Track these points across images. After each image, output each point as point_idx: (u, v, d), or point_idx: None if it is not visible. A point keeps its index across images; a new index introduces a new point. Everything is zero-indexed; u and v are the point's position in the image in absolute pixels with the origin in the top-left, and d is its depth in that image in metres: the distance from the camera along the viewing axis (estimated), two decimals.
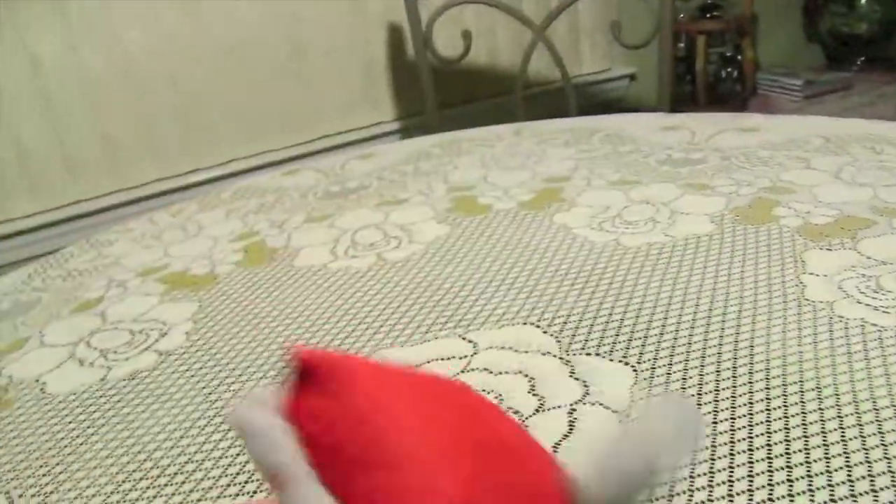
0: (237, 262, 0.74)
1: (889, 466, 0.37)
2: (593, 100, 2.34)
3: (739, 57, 2.38)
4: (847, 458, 0.38)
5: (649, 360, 0.48)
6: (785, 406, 0.42)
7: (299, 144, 2.02)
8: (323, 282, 0.66)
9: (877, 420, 0.40)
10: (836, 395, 0.43)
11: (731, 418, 0.42)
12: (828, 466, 0.38)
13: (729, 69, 2.38)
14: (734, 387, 0.45)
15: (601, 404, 0.44)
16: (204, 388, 0.52)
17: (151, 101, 1.82)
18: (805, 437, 0.40)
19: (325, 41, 1.99)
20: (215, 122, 1.91)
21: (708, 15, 2.37)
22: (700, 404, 0.43)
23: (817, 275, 0.56)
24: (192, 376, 0.54)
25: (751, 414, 0.42)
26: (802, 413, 0.42)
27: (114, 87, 1.77)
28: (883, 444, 0.39)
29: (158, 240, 0.85)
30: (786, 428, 0.41)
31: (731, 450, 0.39)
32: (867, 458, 0.38)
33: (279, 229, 0.82)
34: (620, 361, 0.48)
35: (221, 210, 0.92)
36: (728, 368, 0.46)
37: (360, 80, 2.07)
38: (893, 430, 0.40)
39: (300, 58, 1.96)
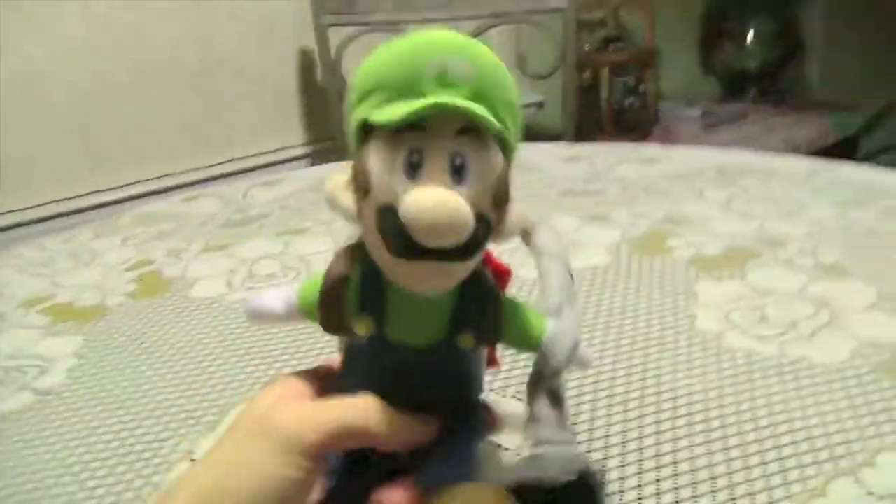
0: (130, 292, 0.71)
1: (770, 497, 0.38)
2: None
3: (643, 87, 2.46)
4: (731, 491, 0.39)
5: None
6: (674, 440, 0.43)
7: (206, 167, 1.98)
8: (218, 315, 0.64)
9: (760, 451, 0.41)
10: (723, 426, 0.44)
11: (622, 454, 0.42)
12: (714, 500, 0.38)
13: (633, 99, 2.45)
14: (625, 421, 0.45)
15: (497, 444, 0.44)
16: (83, 429, 0.49)
17: (51, 117, 1.75)
18: (692, 470, 0.40)
19: (235, 62, 1.95)
20: (119, 141, 1.85)
21: (612, 47, 2.44)
22: (591, 439, 0.44)
23: (707, 306, 0.58)
24: (71, 417, 0.51)
25: (641, 449, 0.43)
26: (690, 447, 0.42)
27: (12, 102, 1.69)
28: (765, 476, 0.40)
29: (47, 268, 0.81)
30: (674, 462, 0.41)
31: (621, 486, 0.40)
32: (751, 489, 0.39)
33: (176, 258, 0.79)
34: (514, 397, 0.48)
35: (117, 237, 0.89)
36: (620, 402, 0.47)
37: (271, 103, 2.04)
38: (775, 460, 0.41)
39: (210, 78, 1.93)
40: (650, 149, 0.98)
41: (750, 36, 2.64)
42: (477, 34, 1.50)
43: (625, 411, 0.46)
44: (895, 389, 0.47)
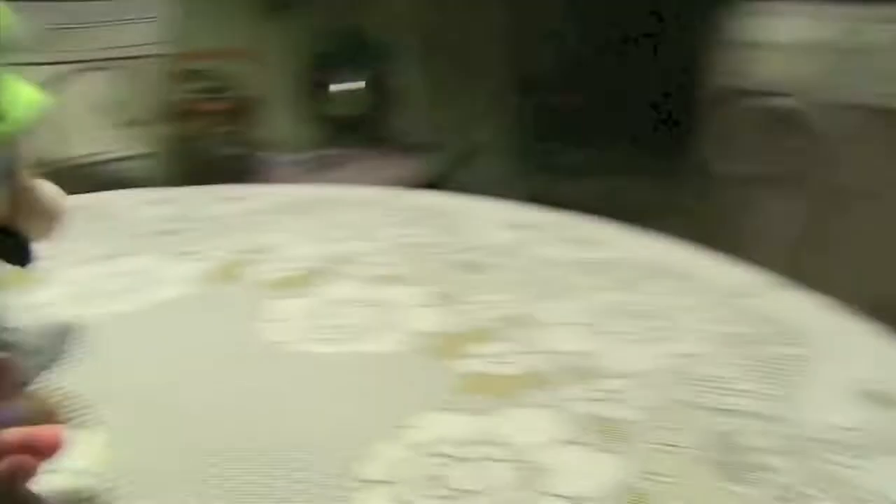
0: None
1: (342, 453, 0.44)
2: (103, 179, 2.27)
3: (243, 136, 2.52)
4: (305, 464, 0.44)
5: (123, 420, 0.49)
6: (238, 443, 0.47)
7: None
8: None
9: (325, 431, 0.47)
10: (284, 424, 0.49)
11: (204, 462, 0.45)
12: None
13: (235, 147, 2.50)
14: (202, 425, 0.48)
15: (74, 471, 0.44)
16: None
17: None
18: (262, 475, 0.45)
19: None
20: None
21: (214, 96, 2.48)
22: (166, 450, 0.46)
23: (276, 321, 0.63)
24: None
25: (209, 455, 0.46)
26: (254, 449, 0.47)
27: None
28: (326, 450, 0.45)
29: None
30: (248, 470, 0.45)
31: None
32: (329, 458, 0.44)
33: None
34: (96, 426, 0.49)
35: None
36: (196, 416, 0.50)
37: None
38: (334, 429, 0.47)
39: None
40: (234, 189, 1.03)
41: (346, 86, 2.84)
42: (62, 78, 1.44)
43: (200, 422, 0.49)
44: (433, 365, 0.56)
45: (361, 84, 2.82)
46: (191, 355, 0.58)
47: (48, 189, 0.33)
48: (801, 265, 0.97)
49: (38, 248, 0.34)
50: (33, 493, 0.31)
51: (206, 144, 2.38)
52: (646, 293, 0.69)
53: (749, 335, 0.61)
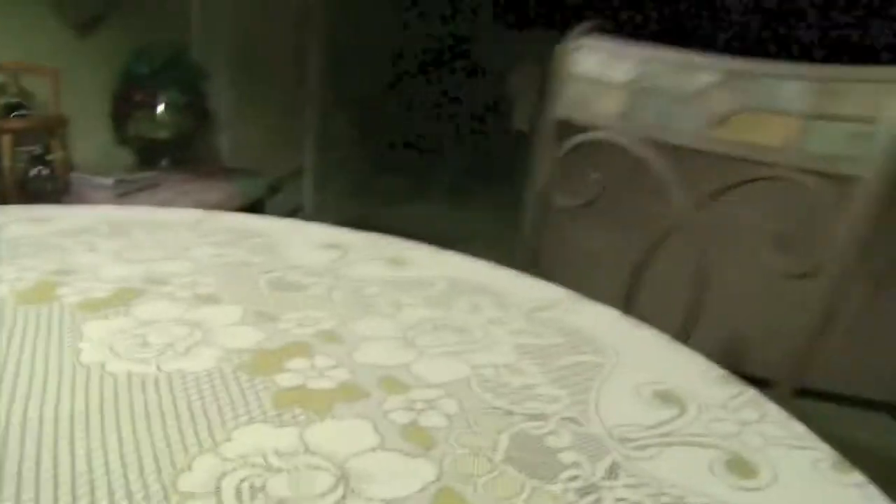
0: None
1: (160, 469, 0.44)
2: None
3: (50, 157, 2.39)
4: (127, 484, 0.44)
5: None
6: (55, 466, 0.46)
7: None
8: None
9: (136, 443, 0.47)
10: (104, 445, 0.49)
11: (17, 488, 0.44)
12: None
13: (40, 168, 2.37)
14: (18, 449, 0.47)
15: None
16: None
17: None
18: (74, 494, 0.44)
19: None
20: None
21: (14, 114, 2.33)
22: None
23: (92, 341, 0.62)
24: None
25: (22, 480, 0.45)
26: (73, 471, 0.46)
27: None
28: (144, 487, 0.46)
29: None
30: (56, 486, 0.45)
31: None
32: (143, 479, 0.44)
33: None
34: None
35: None
36: (12, 440, 0.48)
37: None
38: (149, 449, 0.47)
39: None
40: (43, 209, 0.99)
41: (161, 107, 2.75)
42: None
43: (3, 443, 0.48)
44: (252, 381, 0.57)
45: (178, 105, 2.75)
46: (5, 378, 0.56)
47: None
48: (628, 290, 1.07)
49: None
50: None
51: (8, 164, 2.24)
52: (454, 309, 0.74)
53: (550, 345, 0.67)
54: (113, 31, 2.75)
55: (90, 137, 2.68)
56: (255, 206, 2.76)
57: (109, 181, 2.40)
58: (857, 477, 0.49)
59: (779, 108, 0.91)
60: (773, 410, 0.58)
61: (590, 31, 1.08)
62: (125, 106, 2.75)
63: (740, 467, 0.50)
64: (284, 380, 0.58)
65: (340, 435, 0.51)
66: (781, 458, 0.52)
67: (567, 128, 1.09)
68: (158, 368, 0.59)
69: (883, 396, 2.26)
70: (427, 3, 5.23)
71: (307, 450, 0.49)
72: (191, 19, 3.17)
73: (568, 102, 1.09)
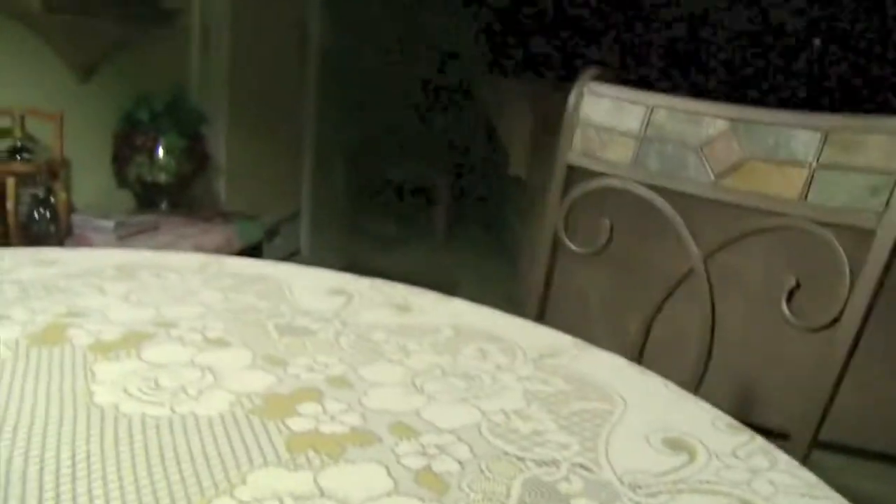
0: None
1: None
2: None
3: (53, 199, 2.41)
4: None
5: None
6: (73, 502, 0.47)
7: None
8: None
9: (153, 486, 0.48)
10: (121, 486, 0.49)
11: None
12: None
13: (42, 210, 2.38)
14: (35, 491, 0.47)
15: None
16: None
17: None
18: None
19: None
20: None
21: (18, 157, 2.35)
22: None
23: (105, 382, 0.63)
24: None
25: None
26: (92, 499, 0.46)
27: None
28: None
29: None
30: None
31: None
32: None
33: None
34: None
35: None
36: (28, 482, 0.49)
37: None
38: (165, 488, 0.47)
39: None
40: (51, 251, 0.99)
41: (160, 151, 2.78)
42: None
43: (23, 479, 0.48)
44: (265, 424, 0.58)
45: (177, 149, 2.77)
46: (18, 420, 0.56)
47: None
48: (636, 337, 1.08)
49: None
50: None
51: (12, 207, 2.25)
52: (461, 355, 0.75)
53: (558, 392, 0.67)
54: (114, 76, 2.78)
55: (91, 180, 2.70)
56: (254, 250, 2.77)
57: (110, 223, 2.41)
58: None
59: (789, 159, 0.92)
60: (784, 458, 0.58)
61: (596, 78, 1.11)
62: (126, 149, 2.78)
63: None
64: (297, 424, 0.58)
65: (354, 479, 0.51)
66: None
67: (576, 174, 1.11)
68: (172, 410, 0.59)
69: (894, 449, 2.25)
70: (422, 50, 5.32)
71: (322, 493, 0.49)
72: (190, 65, 3.22)
73: (577, 149, 1.11)
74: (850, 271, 0.86)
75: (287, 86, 4.02)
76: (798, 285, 0.91)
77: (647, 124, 1.05)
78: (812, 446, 0.87)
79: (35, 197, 2.40)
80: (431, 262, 4.15)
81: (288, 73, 4.01)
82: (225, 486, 0.49)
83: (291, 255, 3.81)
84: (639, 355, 1.06)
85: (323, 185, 4.32)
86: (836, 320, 0.87)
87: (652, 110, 1.06)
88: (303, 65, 4.12)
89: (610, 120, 1.09)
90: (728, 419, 0.65)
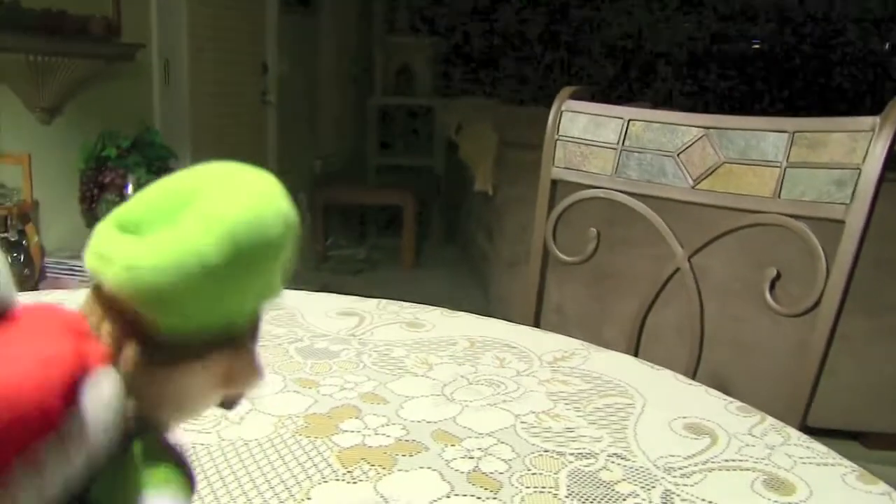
0: None
1: None
2: None
3: (25, 242, 2.40)
4: None
5: None
6: None
7: None
8: None
9: None
10: None
11: None
12: None
13: (15, 254, 2.37)
14: None
15: None
16: None
17: None
18: None
19: None
20: None
21: None
22: None
23: None
24: None
25: None
26: None
27: None
28: None
29: None
30: None
31: None
32: None
33: None
34: None
35: None
36: None
37: None
38: None
39: None
40: (41, 295, 1.01)
41: (129, 188, 2.78)
42: None
43: None
44: (313, 443, 0.61)
45: (146, 185, 2.77)
46: None
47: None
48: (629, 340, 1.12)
49: None
50: None
51: None
52: (481, 364, 0.78)
53: (580, 391, 0.72)
54: (78, 114, 2.78)
55: (60, 221, 2.69)
56: None
57: (81, 264, 2.41)
58: (883, 486, 0.55)
59: (761, 159, 0.98)
60: (795, 434, 0.63)
61: (572, 96, 1.16)
62: (94, 188, 2.77)
63: (778, 485, 0.55)
64: (343, 440, 0.62)
65: (411, 485, 0.55)
66: (812, 474, 0.57)
67: (560, 186, 1.16)
68: (220, 437, 0.62)
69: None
70: (384, 78, 5.37)
71: (386, 501, 0.53)
72: (153, 100, 3.22)
73: (560, 164, 1.16)
74: (825, 259, 0.93)
75: (248, 117, 4.04)
76: (779, 276, 0.96)
77: (625, 136, 1.11)
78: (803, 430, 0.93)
79: (6, 241, 2.39)
80: (401, 283, 4.18)
81: (248, 104, 4.03)
82: (292, 503, 0.52)
83: None
84: (634, 354, 1.10)
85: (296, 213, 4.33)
86: (816, 304, 0.93)
87: (628, 123, 1.11)
88: (262, 95, 4.14)
89: (588, 134, 1.14)
90: (738, 403, 0.70)
